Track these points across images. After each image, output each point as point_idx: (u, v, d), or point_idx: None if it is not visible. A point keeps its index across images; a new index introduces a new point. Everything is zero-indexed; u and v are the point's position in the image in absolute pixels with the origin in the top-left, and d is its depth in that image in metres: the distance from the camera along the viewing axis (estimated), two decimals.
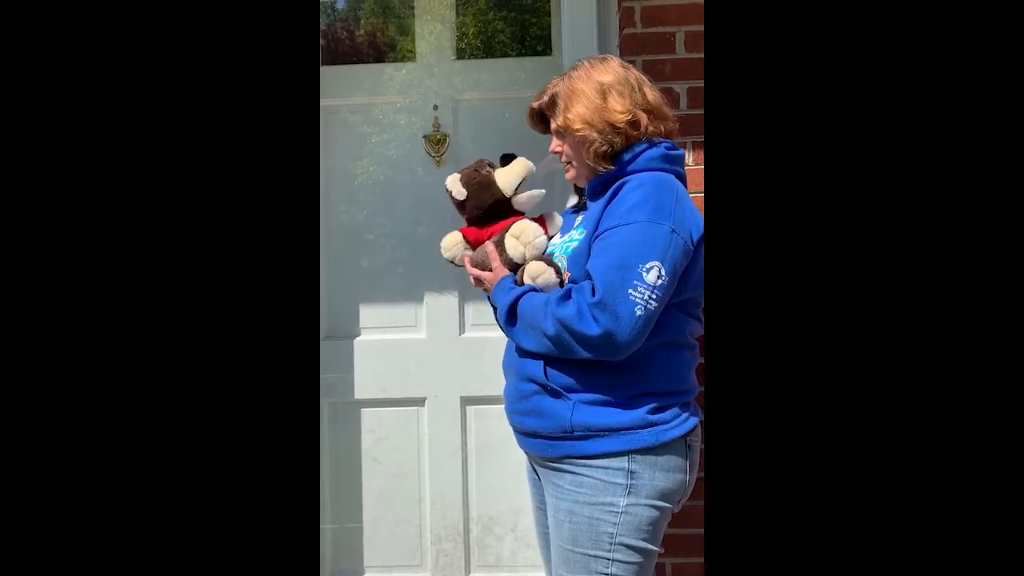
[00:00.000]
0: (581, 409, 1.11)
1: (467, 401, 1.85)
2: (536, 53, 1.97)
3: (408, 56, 1.95)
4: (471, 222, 1.28)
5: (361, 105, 1.92)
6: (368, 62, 1.99)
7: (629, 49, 1.59)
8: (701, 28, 1.56)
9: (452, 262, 1.30)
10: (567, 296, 1.09)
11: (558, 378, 1.12)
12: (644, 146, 1.16)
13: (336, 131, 1.91)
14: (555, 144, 1.23)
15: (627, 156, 1.15)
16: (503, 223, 1.24)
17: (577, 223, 1.22)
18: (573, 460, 1.12)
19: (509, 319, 1.16)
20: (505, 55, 1.98)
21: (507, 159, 1.25)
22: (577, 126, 1.15)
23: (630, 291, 1.04)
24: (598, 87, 1.16)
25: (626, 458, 1.09)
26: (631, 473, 1.09)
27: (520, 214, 1.25)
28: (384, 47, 2.04)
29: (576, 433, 1.10)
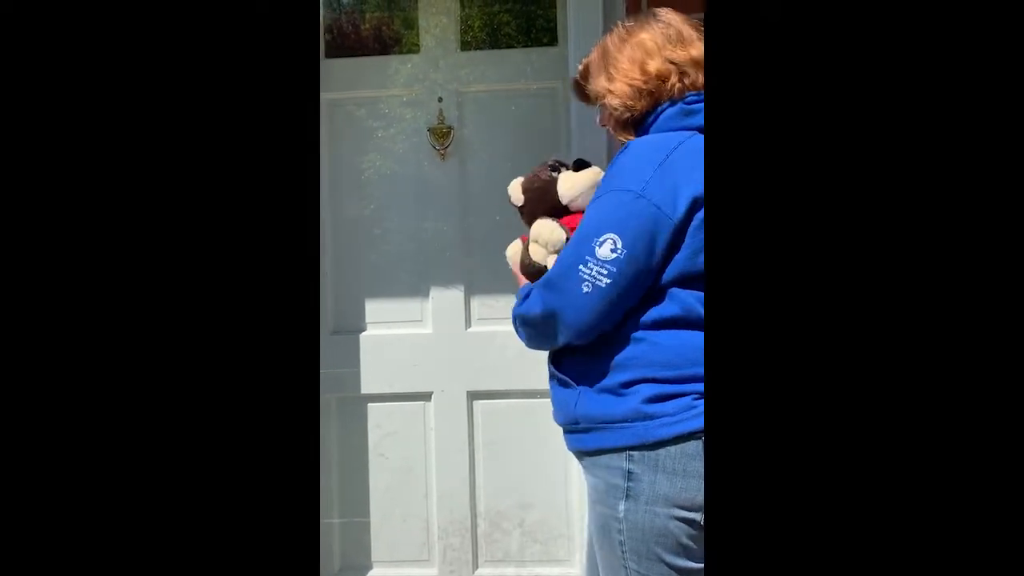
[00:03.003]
0: (585, 399, 1.02)
1: (474, 396, 1.85)
2: (542, 44, 1.95)
3: (413, 49, 1.94)
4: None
5: (367, 98, 1.91)
6: (374, 55, 1.98)
7: None
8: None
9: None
10: (528, 290, 1.06)
11: (565, 365, 1.06)
12: (665, 106, 1.03)
13: (342, 125, 1.91)
14: (599, 116, 1.16)
15: (648, 121, 1.05)
16: (564, 221, 1.18)
17: None
18: (583, 456, 1.05)
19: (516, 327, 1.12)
20: (511, 47, 1.96)
21: (581, 165, 1.18)
22: (598, 94, 1.09)
23: (580, 267, 0.96)
24: (628, 48, 1.06)
25: (623, 456, 0.98)
26: (629, 474, 0.97)
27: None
28: (389, 40, 2.04)
29: (580, 426, 1.03)
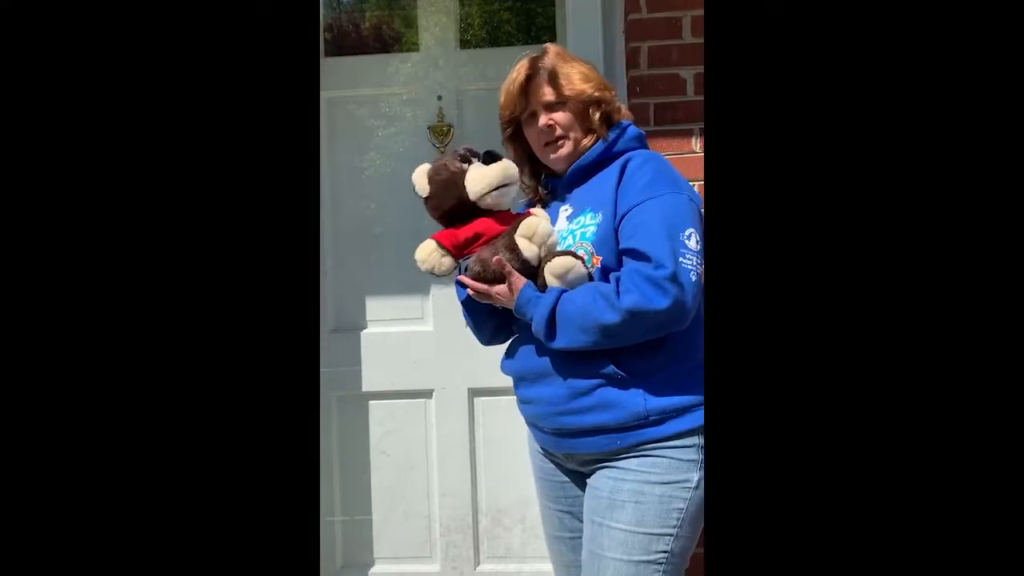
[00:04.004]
0: (654, 392, 1.08)
1: (475, 393, 1.85)
2: (541, 42, 1.95)
3: (413, 48, 1.95)
4: (439, 221, 1.18)
5: (367, 97, 1.92)
6: (374, 54, 1.98)
7: (634, 35, 1.57)
8: None
9: (432, 273, 1.18)
10: (617, 285, 1.06)
11: (625, 364, 1.08)
12: (626, 124, 1.20)
13: (342, 124, 1.91)
14: (545, 119, 1.17)
15: (613, 135, 1.18)
16: (478, 222, 1.14)
17: (567, 212, 1.19)
18: (643, 445, 1.09)
19: (549, 328, 1.09)
20: (510, 45, 1.96)
21: (491, 158, 1.14)
22: (591, 88, 1.17)
23: (681, 260, 1.05)
24: (586, 62, 1.22)
25: (696, 435, 1.09)
26: (700, 448, 1.09)
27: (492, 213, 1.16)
28: (389, 39, 2.04)
29: (652, 418, 1.08)
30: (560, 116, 1.17)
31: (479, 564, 1.86)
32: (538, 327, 1.10)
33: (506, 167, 1.13)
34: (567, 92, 1.16)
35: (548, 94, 1.17)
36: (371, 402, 1.89)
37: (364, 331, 1.88)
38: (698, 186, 1.54)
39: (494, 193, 1.12)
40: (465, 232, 1.14)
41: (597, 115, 1.17)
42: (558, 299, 1.08)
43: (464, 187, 1.12)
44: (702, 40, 1.54)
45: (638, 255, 1.06)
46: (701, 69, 1.55)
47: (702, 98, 1.53)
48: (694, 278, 1.05)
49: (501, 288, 1.13)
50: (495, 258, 1.11)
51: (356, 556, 1.90)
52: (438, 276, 1.18)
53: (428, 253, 1.16)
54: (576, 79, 1.17)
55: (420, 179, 1.16)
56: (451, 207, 1.15)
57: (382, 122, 1.92)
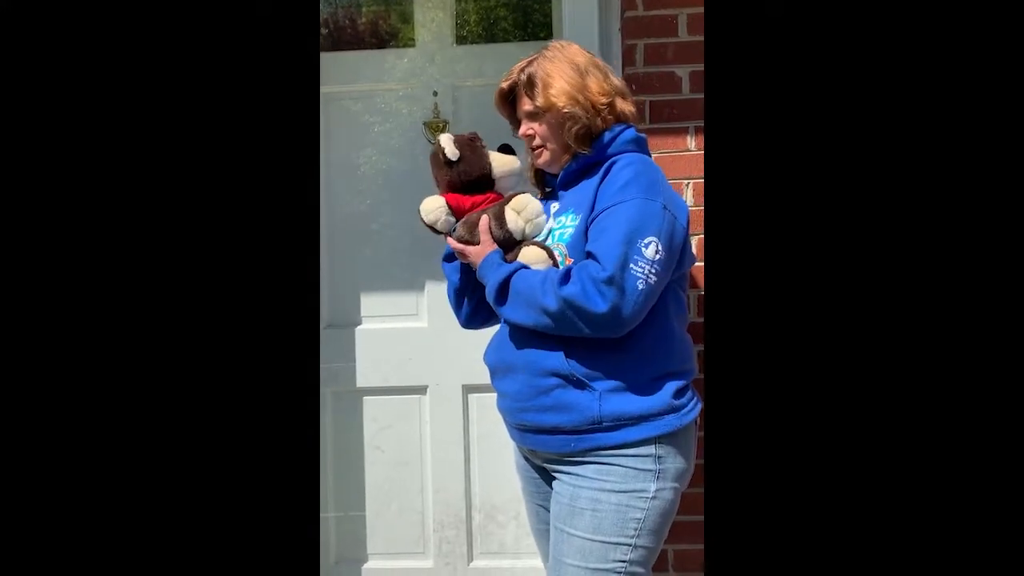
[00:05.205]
0: (609, 398, 1.08)
1: (469, 389, 1.85)
2: (538, 38, 1.95)
3: (409, 44, 1.94)
4: (451, 188, 1.24)
5: (363, 93, 1.91)
6: (370, 49, 1.98)
7: (631, 32, 1.57)
8: (703, 10, 1.53)
9: (432, 228, 1.24)
10: (567, 275, 1.07)
11: (581, 367, 1.09)
12: (621, 128, 1.18)
13: (338, 120, 1.91)
14: (526, 127, 1.22)
15: (607, 138, 1.17)
16: (488, 196, 1.22)
17: (555, 210, 1.22)
18: (597, 451, 1.09)
19: (500, 296, 1.13)
20: (507, 41, 1.96)
21: (507, 150, 1.24)
22: (562, 103, 1.15)
23: (631, 266, 1.04)
24: (575, 67, 1.17)
25: (653, 444, 1.09)
26: (658, 458, 1.09)
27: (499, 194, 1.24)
28: (385, 35, 2.04)
29: (605, 424, 1.08)
30: (538, 127, 1.20)
31: (472, 560, 1.87)
32: (490, 291, 1.14)
33: (519, 162, 1.24)
34: (539, 104, 1.17)
35: (527, 103, 1.20)
36: (365, 398, 1.89)
37: (359, 327, 1.88)
38: (694, 184, 1.54)
39: (513, 179, 1.22)
40: (475, 199, 1.21)
41: (574, 130, 1.15)
42: (516, 271, 1.12)
43: (489, 161, 1.21)
44: (698, 38, 1.55)
45: (591, 257, 1.08)
46: (697, 67, 1.55)
47: (698, 96, 1.54)
48: (641, 286, 1.04)
49: (474, 248, 1.18)
50: (479, 220, 1.18)
51: (350, 552, 1.90)
52: (436, 232, 1.24)
53: (435, 208, 1.23)
54: (552, 91, 1.15)
55: (449, 144, 1.20)
56: (475, 177, 1.21)
57: (378, 118, 1.92)
